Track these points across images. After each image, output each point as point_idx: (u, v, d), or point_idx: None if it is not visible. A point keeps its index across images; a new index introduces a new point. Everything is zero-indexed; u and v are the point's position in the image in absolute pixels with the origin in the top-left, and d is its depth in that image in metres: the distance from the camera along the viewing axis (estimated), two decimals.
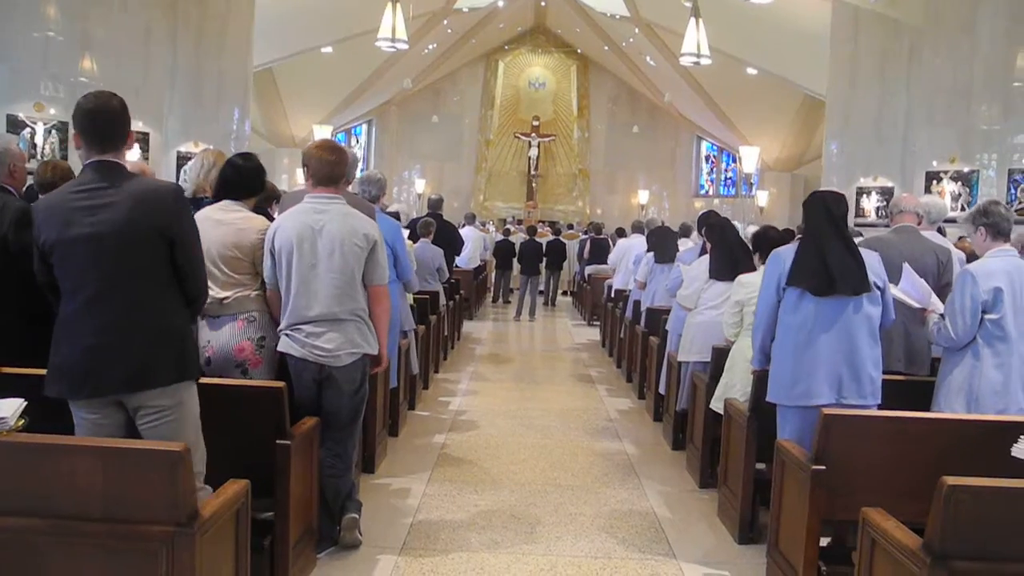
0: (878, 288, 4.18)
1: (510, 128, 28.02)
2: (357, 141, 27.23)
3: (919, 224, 5.20)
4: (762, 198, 23.27)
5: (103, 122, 3.12)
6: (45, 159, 9.89)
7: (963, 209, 11.56)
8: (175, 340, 3.18)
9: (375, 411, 5.67)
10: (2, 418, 2.76)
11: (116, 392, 3.09)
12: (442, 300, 9.65)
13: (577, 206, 27.84)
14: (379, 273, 4.27)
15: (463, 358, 11.10)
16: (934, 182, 12.94)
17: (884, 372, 4.27)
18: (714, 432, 5.50)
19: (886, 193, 13.65)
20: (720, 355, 5.53)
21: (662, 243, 8.74)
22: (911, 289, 4.45)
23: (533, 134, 27.46)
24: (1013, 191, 11.80)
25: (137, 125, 11.79)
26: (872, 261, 4.21)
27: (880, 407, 4.12)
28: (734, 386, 5.19)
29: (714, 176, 27.59)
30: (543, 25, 27.86)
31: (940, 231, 5.88)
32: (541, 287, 17.22)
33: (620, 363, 10.31)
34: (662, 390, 7.18)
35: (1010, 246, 4.33)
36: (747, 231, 7.79)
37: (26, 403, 2.87)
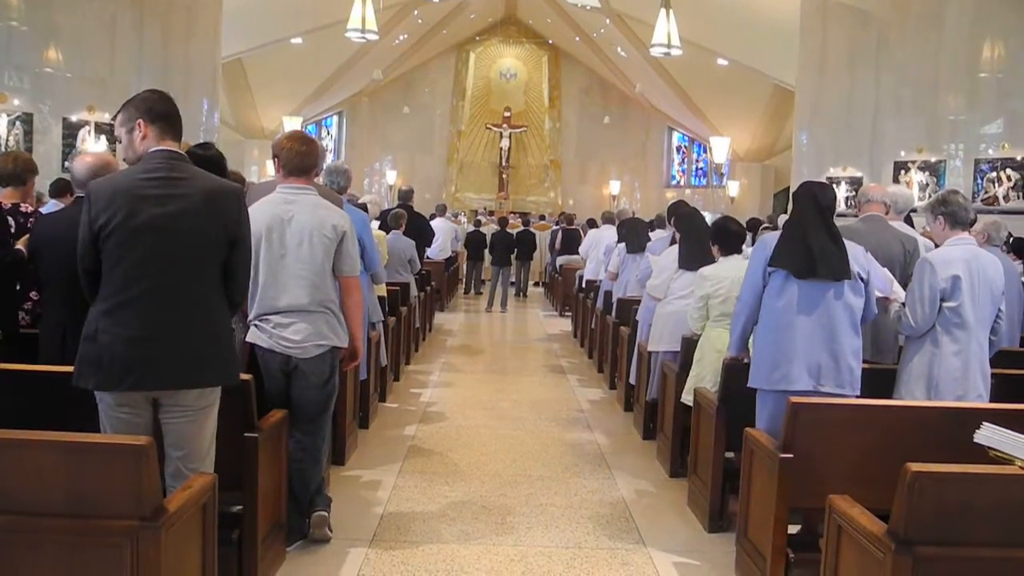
0: (862, 280, 4.21)
1: (481, 119, 28.00)
2: (328, 132, 27.09)
3: (886, 214, 5.24)
4: (733, 188, 23.39)
5: (176, 113, 3.16)
6: (8, 150, 9.75)
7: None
8: (224, 340, 3.19)
9: (345, 403, 5.65)
10: None
11: (161, 387, 3.05)
12: (413, 291, 9.62)
13: (549, 197, 27.86)
14: (349, 264, 4.24)
15: (435, 350, 11.07)
16: (902, 172, 13.08)
17: None
18: (684, 422, 5.53)
19: (855, 183, 13.70)
20: (689, 345, 5.54)
21: (633, 233, 8.76)
22: (874, 278, 4.49)
23: (504, 125, 27.48)
24: (979, 181, 11.95)
25: (103, 116, 11.66)
26: (857, 253, 4.24)
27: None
28: (704, 377, 5.21)
29: (685, 167, 27.68)
30: (514, 16, 27.85)
31: (909, 220, 5.92)
32: (513, 278, 17.23)
33: (591, 354, 10.33)
34: (632, 380, 7.19)
35: (969, 235, 4.39)
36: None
37: None
